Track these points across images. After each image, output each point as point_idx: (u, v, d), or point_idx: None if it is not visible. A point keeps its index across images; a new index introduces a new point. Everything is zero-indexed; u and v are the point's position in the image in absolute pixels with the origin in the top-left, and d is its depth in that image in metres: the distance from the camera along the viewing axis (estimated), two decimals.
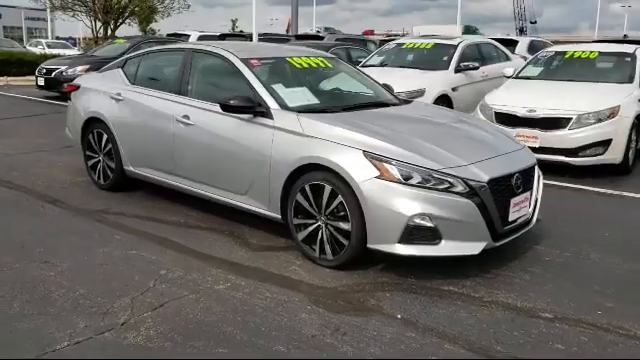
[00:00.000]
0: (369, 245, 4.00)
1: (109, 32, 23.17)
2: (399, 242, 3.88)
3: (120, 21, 23.33)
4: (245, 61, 4.97)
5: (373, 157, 3.96)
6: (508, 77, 8.82)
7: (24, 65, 19.14)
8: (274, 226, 4.81)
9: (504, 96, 7.72)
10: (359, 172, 3.95)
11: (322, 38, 17.40)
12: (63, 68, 14.07)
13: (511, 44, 13.97)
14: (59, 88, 13.96)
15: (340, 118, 4.51)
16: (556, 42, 15.70)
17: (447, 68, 9.35)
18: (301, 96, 4.89)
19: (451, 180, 3.88)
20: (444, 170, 3.91)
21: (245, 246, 4.66)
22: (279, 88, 4.84)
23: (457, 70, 9.39)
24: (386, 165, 3.91)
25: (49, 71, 14.18)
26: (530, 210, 4.44)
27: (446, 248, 3.90)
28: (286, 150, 4.37)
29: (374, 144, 4.04)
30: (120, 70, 6.04)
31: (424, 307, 3.66)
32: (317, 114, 4.53)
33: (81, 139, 6.29)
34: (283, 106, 4.60)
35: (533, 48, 14.22)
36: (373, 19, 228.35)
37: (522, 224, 4.36)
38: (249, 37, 19.23)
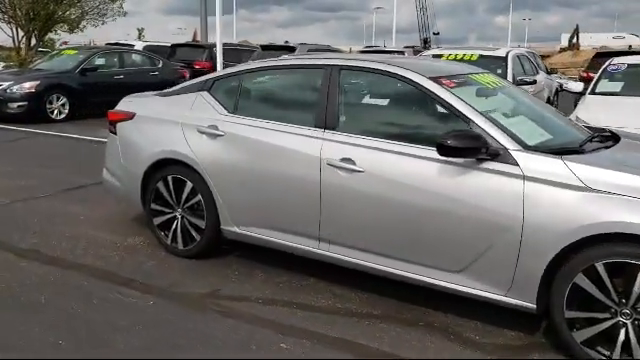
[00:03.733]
0: None
1: (32, 42, 20.41)
2: None
3: (46, 29, 20.60)
4: (437, 81, 3.56)
5: None
6: (575, 93, 7.89)
7: None
8: (481, 310, 3.45)
9: (604, 115, 6.71)
10: None
11: (293, 49, 15.96)
12: (6, 85, 11.72)
13: None
14: (3, 109, 11.63)
15: (618, 161, 3.22)
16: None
17: None
18: (530, 129, 3.56)
19: None
20: None
21: (469, 346, 3.28)
22: (499, 118, 3.47)
23: (515, 84, 8.32)
24: None
25: None
26: None
27: None
28: (555, 211, 3.02)
29: None
30: (206, 94, 4.39)
31: None
32: (581, 156, 3.22)
33: (142, 188, 4.56)
34: (523, 145, 3.24)
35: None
36: (273, 30, 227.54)
37: None
38: (207, 48, 17.42)
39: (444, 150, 3.20)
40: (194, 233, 4.35)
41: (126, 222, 5.29)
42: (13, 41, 20.39)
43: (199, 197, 4.26)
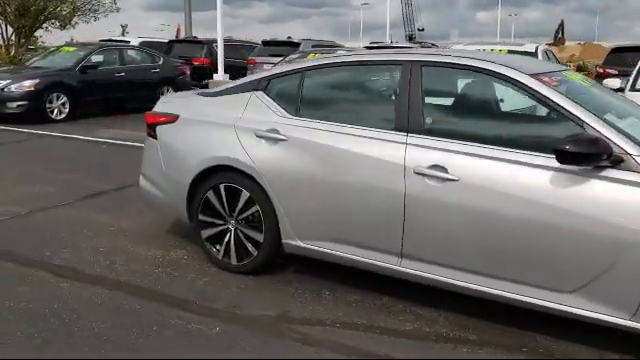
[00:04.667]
0: None
1: (21, 39, 19.69)
2: None
3: (37, 25, 19.91)
4: (539, 79, 3.20)
5: None
6: (615, 90, 7.58)
7: None
8: (586, 333, 3.13)
9: None
10: None
11: (297, 45, 15.54)
12: (4, 83, 11.17)
13: None
14: (2, 109, 11.08)
15: None
16: None
17: None
18: None
19: None
20: None
21: None
22: (613, 120, 3.11)
23: None
24: None
25: None
26: None
27: None
28: None
29: None
30: (262, 94, 3.98)
31: None
32: None
33: (188, 198, 4.15)
34: None
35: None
36: (255, 26, 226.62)
37: None
38: (206, 44, 16.93)
39: (562, 156, 2.84)
40: (250, 247, 3.95)
41: (161, 233, 4.88)
42: (2, 38, 19.71)
43: (257, 208, 3.86)
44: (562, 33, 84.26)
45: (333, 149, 3.57)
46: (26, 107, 11.04)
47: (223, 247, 4.06)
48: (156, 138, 4.36)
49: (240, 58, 16.47)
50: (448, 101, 3.66)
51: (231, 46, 16.94)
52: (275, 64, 11.93)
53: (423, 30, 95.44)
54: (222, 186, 3.98)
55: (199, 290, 3.80)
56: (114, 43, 15.64)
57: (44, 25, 20.61)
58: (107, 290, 3.76)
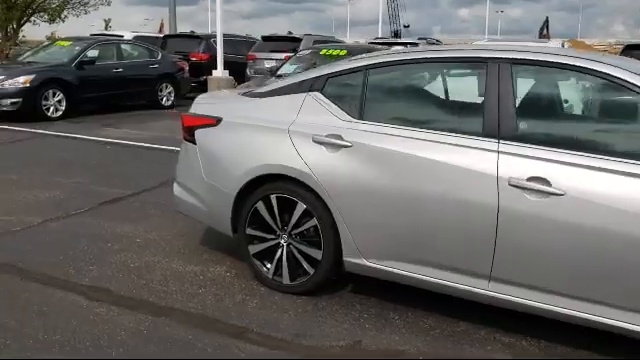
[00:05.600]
0: None
1: (8, 32, 18.95)
2: None
3: (25, 19, 19.17)
4: None
5: None
6: None
7: None
8: None
9: None
10: None
11: (299, 40, 15.06)
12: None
13: None
14: None
15: None
16: None
17: None
18: None
19: None
20: None
21: None
22: None
23: None
24: None
25: None
26: None
27: None
28: None
29: None
30: (319, 95, 3.56)
31: None
32: None
33: (233, 209, 3.72)
34: None
35: None
36: (237, 21, 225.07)
37: None
38: (204, 39, 16.40)
39: None
40: (306, 265, 3.54)
41: (194, 246, 4.45)
42: None
43: (314, 222, 3.46)
44: (547, 30, 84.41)
45: (408, 157, 3.17)
46: (20, 104, 10.49)
47: (274, 264, 3.65)
48: (195, 143, 3.92)
49: (237, 53, 15.99)
50: (544, 103, 3.26)
51: (229, 41, 16.41)
52: (282, 60, 11.49)
53: (408, 27, 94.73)
54: (274, 197, 3.56)
55: (253, 315, 3.39)
56: (110, 37, 15.00)
57: (32, 19, 19.86)
58: (150, 316, 3.32)
